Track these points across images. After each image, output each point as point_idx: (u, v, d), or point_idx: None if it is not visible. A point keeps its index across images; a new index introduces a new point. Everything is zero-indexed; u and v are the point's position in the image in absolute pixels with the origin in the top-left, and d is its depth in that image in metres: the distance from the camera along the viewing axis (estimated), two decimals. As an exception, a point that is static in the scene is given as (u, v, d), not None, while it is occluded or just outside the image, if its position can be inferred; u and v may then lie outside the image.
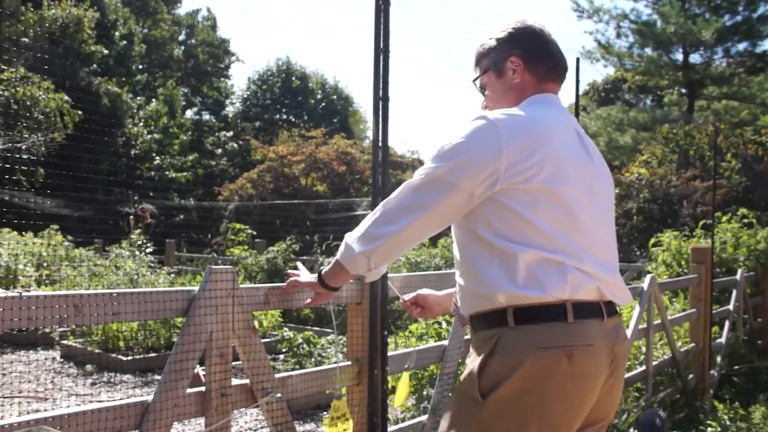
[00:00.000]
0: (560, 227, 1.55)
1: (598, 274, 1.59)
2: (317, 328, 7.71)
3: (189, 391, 1.81)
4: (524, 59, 1.71)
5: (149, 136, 24.92)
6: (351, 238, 1.71)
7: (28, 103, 14.65)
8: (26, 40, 18.24)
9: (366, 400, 2.30)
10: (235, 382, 1.93)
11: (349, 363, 2.33)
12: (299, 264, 1.90)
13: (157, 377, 5.83)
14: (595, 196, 1.65)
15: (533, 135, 1.56)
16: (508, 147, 1.53)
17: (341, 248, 1.73)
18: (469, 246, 1.64)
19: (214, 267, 1.88)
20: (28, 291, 1.49)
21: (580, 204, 1.59)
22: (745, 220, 7.41)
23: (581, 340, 1.53)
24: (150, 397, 1.74)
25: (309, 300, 1.99)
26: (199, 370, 2.60)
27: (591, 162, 1.66)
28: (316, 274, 1.87)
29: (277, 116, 32.85)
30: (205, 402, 1.84)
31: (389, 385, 2.42)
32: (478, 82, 1.84)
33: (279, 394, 2.01)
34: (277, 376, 2.05)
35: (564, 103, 1.82)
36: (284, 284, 1.99)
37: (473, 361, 1.61)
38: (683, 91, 22.98)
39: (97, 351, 6.39)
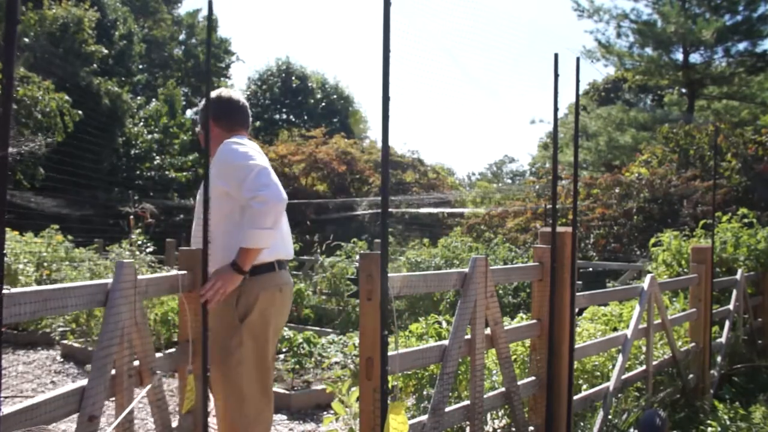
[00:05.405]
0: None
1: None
2: (317, 328, 7.71)
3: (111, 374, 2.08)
4: (214, 119, 2.86)
5: (149, 136, 24.90)
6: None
7: (28, 103, 14.66)
8: (26, 40, 18.24)
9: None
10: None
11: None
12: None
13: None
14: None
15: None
16: None
17: (251, 239, 2.61)
18: None
19: (123, 261, 2.14)
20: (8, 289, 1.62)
21: None
22: (745, 220, 7.38)
23: (282, 281, 2.88)
24: (86, 382, 1.96)
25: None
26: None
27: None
28: (228, 268, 2.61)
29: (277, 116, 32.84)
30: (116, 385, 2.10)
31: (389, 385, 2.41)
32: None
33: (163, 373, 2.36)
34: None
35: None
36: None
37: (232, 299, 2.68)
38: (683, 90, 22.99)
39: (97, 351, 6.38)
